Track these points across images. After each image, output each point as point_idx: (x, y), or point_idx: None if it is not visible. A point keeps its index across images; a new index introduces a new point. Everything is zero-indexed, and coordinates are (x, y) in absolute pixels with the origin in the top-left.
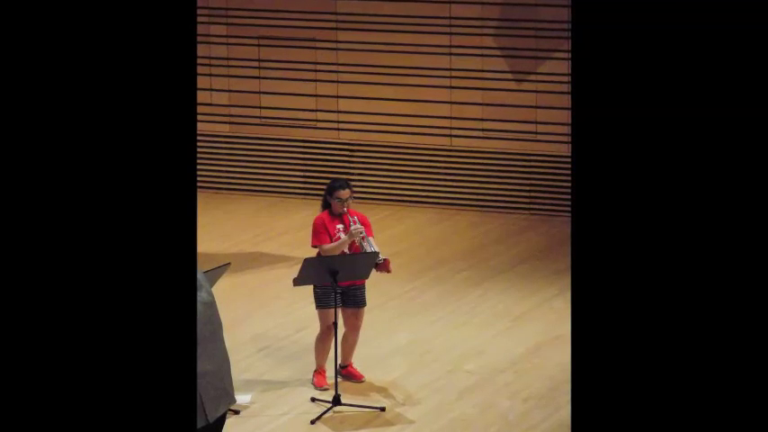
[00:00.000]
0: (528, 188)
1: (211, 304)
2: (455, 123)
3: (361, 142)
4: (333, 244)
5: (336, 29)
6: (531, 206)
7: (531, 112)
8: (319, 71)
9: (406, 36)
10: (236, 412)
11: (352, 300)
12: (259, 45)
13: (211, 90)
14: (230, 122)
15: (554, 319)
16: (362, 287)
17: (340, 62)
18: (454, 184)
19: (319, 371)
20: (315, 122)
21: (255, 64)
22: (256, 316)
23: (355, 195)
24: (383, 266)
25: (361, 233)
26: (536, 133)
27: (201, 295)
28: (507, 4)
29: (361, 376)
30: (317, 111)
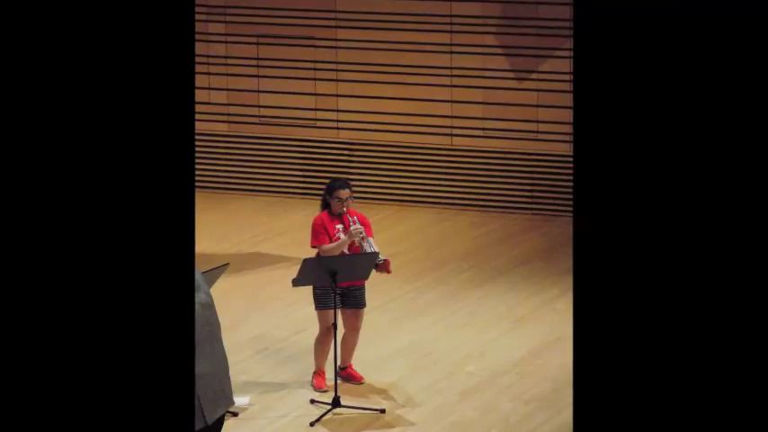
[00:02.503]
0: (529, 188)
1: (210, 305)
2: (456, 122)
3: (361, 141)
4: (332, 244)
5: (336, 27)
6: (533, 206)
7: (533, 111)
8: (318, 70)
9: (406, 34)
10: (235, 414)
11: (352, 301)
12: (258, 43)
13: (210, 89)
14: (229, 121)
15: (556, 320)
16: (362, 288)
17: (339, 60)
18: (455, 183)
19: (319, 372)
20: (314, 121)
21: (254, 62)
22: (255, 317)
23: (355, 195)
24: (383, 267)
25: (360, 233)
26: (537, 132)
27: (200, 296)
28: (508, 2)
29: (361, 378)
30: (316, 110)
